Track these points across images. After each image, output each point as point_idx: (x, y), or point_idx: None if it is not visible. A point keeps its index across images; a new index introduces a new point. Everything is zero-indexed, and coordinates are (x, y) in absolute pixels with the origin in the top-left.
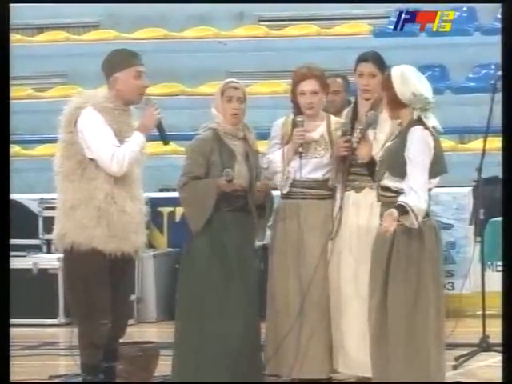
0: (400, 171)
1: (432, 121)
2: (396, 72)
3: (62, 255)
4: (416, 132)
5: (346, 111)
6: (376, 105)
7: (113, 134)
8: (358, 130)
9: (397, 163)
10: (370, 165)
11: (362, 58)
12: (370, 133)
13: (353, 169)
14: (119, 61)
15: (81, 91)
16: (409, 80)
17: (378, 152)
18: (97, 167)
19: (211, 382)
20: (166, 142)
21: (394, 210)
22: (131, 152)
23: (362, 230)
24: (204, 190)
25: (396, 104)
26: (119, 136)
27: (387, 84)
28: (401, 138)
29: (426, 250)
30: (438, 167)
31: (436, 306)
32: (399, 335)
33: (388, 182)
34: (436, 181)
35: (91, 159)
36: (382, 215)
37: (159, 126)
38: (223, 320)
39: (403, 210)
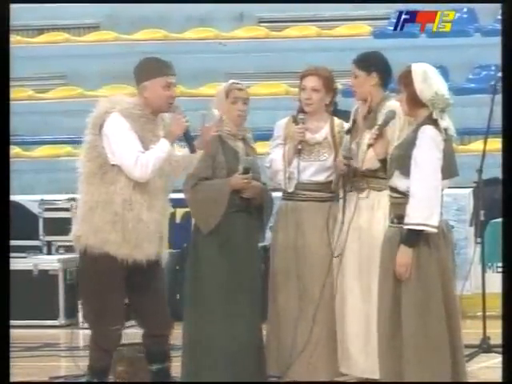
0: (409, 170)
1: (445, 122)
2: (417, 69)
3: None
4: (425, 131)
5: (353, 111)
6: (371, 105)
7: (138, 140)
8: (376, 127)
9: (406, 161)
10: (384, 163)
11: (353, 59)
12: (387, 130)
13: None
14: (149, 69)
15: (109, 95)
16: (431, 79)
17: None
18: (117, 172)
19: (212, 382)
20: (192, 151)
21: (409, 250)
22: (156, 158)
23: (364, 231)
24: (216, 189)
25: (414, 102)
26: (144, 143)
27: (407, 81)
28: (411, 137)
29: (432, 252)
30: (448, 169)
31: (449, 307)
32: (413, 338)
33: (396, 181)
34: (446, 183)
35: (113, 165)
36: (390, 215)
37: (186, 134)
38: (228, 321)
39: (414, 235)
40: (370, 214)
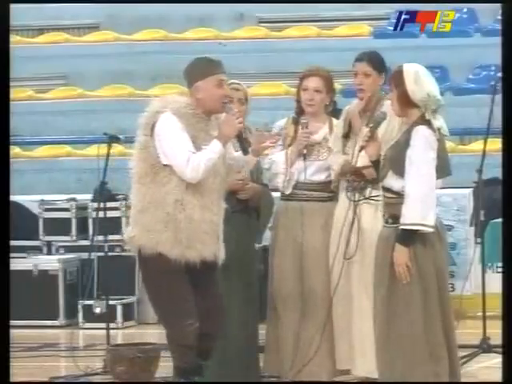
0: (403, 170)
1: (439, 122)
2: (409, 70)
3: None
4: (420, 131)
5: (347, 109)
6: (370, 105)
7: (190, 141)
8: (368, 129)
9: (400, 162)
10: (377, 164)
11: (357, 58)
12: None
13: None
14: (200, 69)
15: (162, 95)
16: (422, 80)
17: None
18: (169, 173)
19: (211, 381)
20: (245, 153)
21: (405, 249)
22: (207, 160)
23: (367, 231)
24: None
25: (406, 103)
26: (196, 143)
27: (398, 81)
28: (405, 137)
29: (428, 251)
30: (440, 169)
31: (443, 306)
32: (409, 337)
33: (390, 181)
34: (439, 182)
35: (165, 165)
36: (384, 216)
37: (239, 136)
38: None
39: (410, 235)
40: (372, 213)
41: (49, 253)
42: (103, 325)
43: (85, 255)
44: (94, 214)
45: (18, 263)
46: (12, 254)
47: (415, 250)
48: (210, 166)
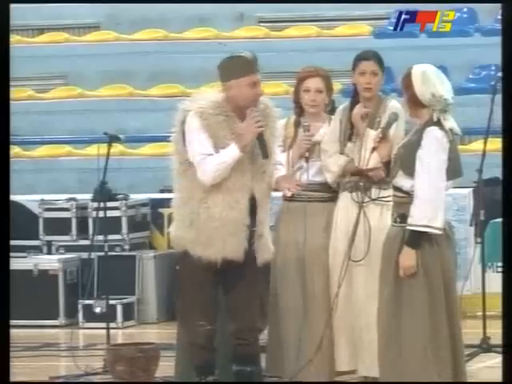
0: (413, 170)
1: (450, 123)
2: (417, 71)
3: None
4: (431, 133)
5: (341, 109)
6: (375, 105)
7: (208, 142)
8: (379, 130)
9: (411, 161)
10: (388, 165)
11: (364, 57)
12: (391, 131)
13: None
14: (234, 68)
15: (194, 93)
16: (429, 80)
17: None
18: (196, 170)
19: (211, 381)
20: (265, 157)
21: (412, 252)
22: (218, 164)
23: (373, 232)
24: None
25: (415, 104)
26: (218, 143)
27: (407, 83)
28: (416, 137)
29: (435, 252)
30: (452, 170)
31: (450, 307)
32: (414, 337)
33: (400, 180)
34: (450, 183)
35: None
36: (393, 215)
37: (260, 139)
38: (224, 321)
39: (417, 237)
40: (378, 213)
41: (49, 252)
42: (103, 324)
43: (85, 255)
44: (94, 214)
45: (18, 263)
46: (12, 254)
47: (423, 250)
48: (223, 169)
